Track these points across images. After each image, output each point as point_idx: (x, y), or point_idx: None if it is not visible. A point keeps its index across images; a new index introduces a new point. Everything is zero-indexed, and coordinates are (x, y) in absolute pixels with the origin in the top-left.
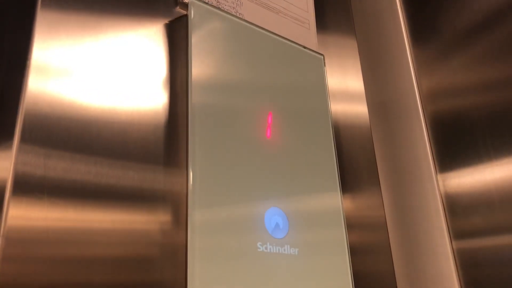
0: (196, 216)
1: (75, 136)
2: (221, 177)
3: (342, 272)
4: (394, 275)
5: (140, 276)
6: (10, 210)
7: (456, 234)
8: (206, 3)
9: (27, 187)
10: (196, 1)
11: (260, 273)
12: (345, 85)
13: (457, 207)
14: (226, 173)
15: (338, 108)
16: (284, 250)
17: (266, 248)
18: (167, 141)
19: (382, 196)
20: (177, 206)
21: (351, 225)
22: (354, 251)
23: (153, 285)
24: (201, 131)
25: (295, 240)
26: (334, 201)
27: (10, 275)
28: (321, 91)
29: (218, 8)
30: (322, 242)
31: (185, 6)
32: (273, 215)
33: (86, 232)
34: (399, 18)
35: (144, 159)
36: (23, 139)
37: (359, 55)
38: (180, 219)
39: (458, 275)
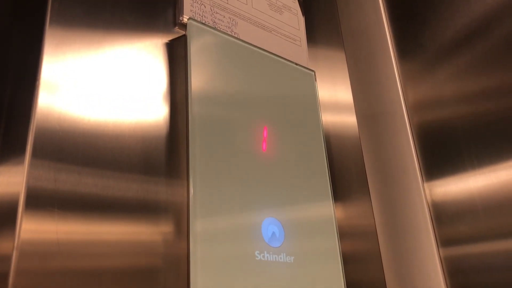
0: (197, 226)
1: (83, 150)
2: (221, 188)
3: (335, 279)
4: (385, 283)
5: (146, 286)
6: (24, 223)
7: (443, 241)
8: (203, 24)
9: (39, 201)
10: (194, 22)
11: (258, 280)
12: (335, 98)
13: (444, 215)
14: (225, 184)
15: (328, 119)
16: (281, 258)
17: (263, 256)
18: (168, 153)
19: (372, 205)
20: (178, 216)
21: (343, 233)
22: (346, 260)
23: None
24: (201, 144)
25: (290, 249)
26: (327, 210)
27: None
28: (312, 105)
29: (215, 28)
30: (316, 250)
31: (184, 26)
32: (269, 225)
33: (94, 244)
34: (385, 33)
35: (146, 171)
36: (34, 154)
37: (348, 68)
38: (182, 229)
39: (446, 282)
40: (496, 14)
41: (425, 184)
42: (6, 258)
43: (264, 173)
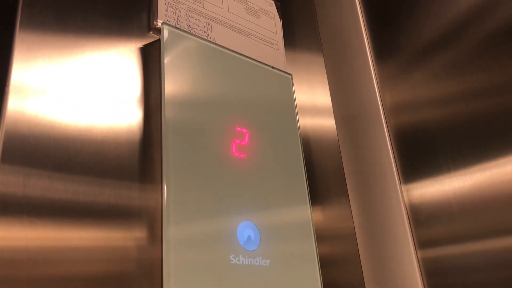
0: (171, 231)
1: (54, 155)
2: (195, 193)
3: (312, 282)
4: (364, 285)
5: None
6: None
7: (421, 243)
8: (178, 28)
9: (8, 207)
10: (168, 26)
11: (233, 285)
12: (313, 100)
13: (421, 217)
14: (199, 189)
15: (307, 122)
16: (256, 261)
17: (238, 260)
18: (142, 158)
19: (351, 207)
20: (152, 222)
21: (322, 236)
22: (325, 262)
23: None
24: (175, 148)
25: (266, 252)
26: (304, 214)
27: None
28: (289, 109)
29: (189, 33)
30: (292, 253)
31: (158, 31)
32: (245, 228)
33: (66, 250)
34: (362, 36)
35: (119, 176)
36: (3, 160)
37: (326, 71)
38: (155, 234)
39: (424, 283)
40: (469, 17)
41: (403, 186)
42: None
43: (240, 176)
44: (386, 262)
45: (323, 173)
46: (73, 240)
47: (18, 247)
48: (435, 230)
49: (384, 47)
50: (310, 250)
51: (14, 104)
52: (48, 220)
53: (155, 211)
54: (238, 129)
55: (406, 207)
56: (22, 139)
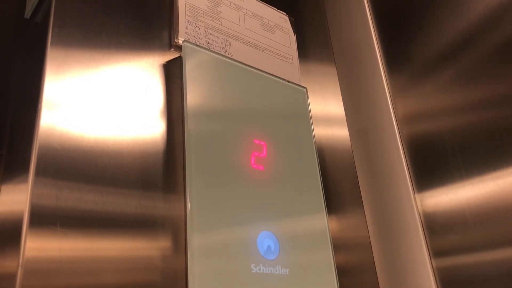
0: (195, 241)
1: (83, 168)
2: (217, 203)
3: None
4: None
5: None
6: (28, 241)
7: (435, 252)
8: (198, 45)
9: (42, 219)
10: (189, 44)
11: None
12: (327, 112)
13: (435, 226)
14: (221, 199)
15: (321, 133)
16: (276, 270)
17: (259, 269)
18: (166, 169)
19: (365, 217)
20: (176, 231)
21: (337, 246)
22: (341, 272)
23: None
24: (197, 159)
25: (285, 261)
26: (321, 223)
27: None
28: (305, 121)
29: (209, 49)
30: (310, 262)
31: (179, 48)
32: (265, 238)
33: (95, 260)
34: (374, 48)
35: (144, 187)
36: (37, 173)
37: (339, 83)
38: (179, 244)
39: None
40: (479, 28)
41: (416, 195)
42: (11, 276)
43: (259, 188)
44: (401, 271)
45: (338, 183)
46: (101, 250)
47: (52, 257)
48: (450, 239)
49: (395, 59)
50: (328, 259)
51: (46, 119)
52: (79, 231)
53: (179, 221)
54: (256, 141)
55: (420, 216)
56: (54, 153)
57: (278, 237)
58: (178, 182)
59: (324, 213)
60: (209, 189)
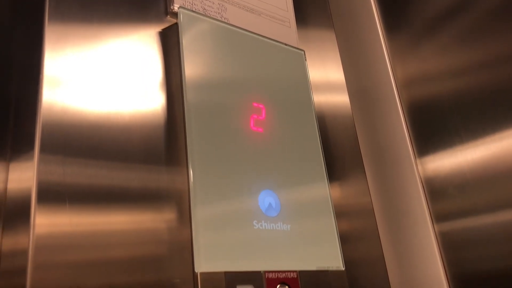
0: (198, 208)
1: (87, 141)
2: (218, 168)
3: (331, 242)
4: (384, 259)
5: (153, 274)
6: (37, 218)
7: (437, 216)
8: (194, 11)
9: (50, 195)
10: (184, 10)
11: (257, 247)
12: (326, 77)
13: (436, 190)
14: (222, 164)
15: (321, 99)
16: (278, 226)
17: (261, 225)
18: (167, 141)
19: (367, 183)
20: (180, 203)
21: (340, 213)
22: (345, 239)
23: (164, 282)
24: (197, 128)
25: (286, 218)
26: (321, 182)
27: (41, 281)
28: (304, 84)
29: (205, 15)
30: (312, 218)
31: (175, 14)
32: (266, 196)
33: (103, 234)
34: (372, 10)
35: (147, 160)
36: (42, 150)
37: (338, 47)
38: (184, 215)
39: (442, 257)
40: None
41: (417, 160)
42: (23, 253)
43: (259, 149)
44: (404, 236)
45: (339, 148)
46: (109, 225)
47: (61, 232)
48: (451, 203)
49: (394, 21)
50: (327, 213)
51: (48, 94)
52: (86, 206)
53: (183, 192)
54: (255, 104)
55: (421, 181)
56: (59, 128)
57: (278, 196)
58: (180, 153)
59: (323, 171)
60: (210, 156)
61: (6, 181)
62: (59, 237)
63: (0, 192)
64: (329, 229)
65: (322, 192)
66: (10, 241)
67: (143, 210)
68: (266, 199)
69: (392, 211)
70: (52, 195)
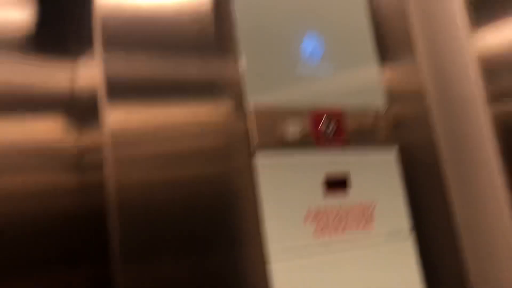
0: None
1: (149, 35)
2: (265, 36)
3: (373, 82)
4: (435, 144)
5: (213, 163)
6: (110, 115)
7: (492, 96)
8: None
9: (119, 91)
10: None
11: (303, 86)
12: None
13: (493, 68)
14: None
15: None
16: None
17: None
18: (219, 32)
19: (417, 63)
20: (235, 93)
21: (392, 97)
22: (397, 123)
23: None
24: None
25: (329, 64)
26: (364, 32)
27: (123, 174)
28: None
29: None
30: (353, 62)
31: None
32: (310, 41)
33: (169, 128)
34: None
35: (201, 52)
36: (107, 45)
37: None
38: (240, 106)
39: (497, 139)
40: None
41: (473, 34)
42: (98, 149)
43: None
44: (457, 117)
45: (390, 28)
46: (173, 118)
47: (133, 128)
48: (506, 82)
49: None
50: (369, 55)
51: None
52: (152, 100)
53: (237, 81)
54: None
55: (477, 57)
56: (118, 22)
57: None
58: (232, 43)
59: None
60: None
61: (74, 80)
62: (131, 133)
63: (69, 91)
64: (371, 71)
65: (363, 35)
66: (88, 139)
67: (201, 102)
68: (311, 43)
69: (446, 93)
70: (120, 91)
